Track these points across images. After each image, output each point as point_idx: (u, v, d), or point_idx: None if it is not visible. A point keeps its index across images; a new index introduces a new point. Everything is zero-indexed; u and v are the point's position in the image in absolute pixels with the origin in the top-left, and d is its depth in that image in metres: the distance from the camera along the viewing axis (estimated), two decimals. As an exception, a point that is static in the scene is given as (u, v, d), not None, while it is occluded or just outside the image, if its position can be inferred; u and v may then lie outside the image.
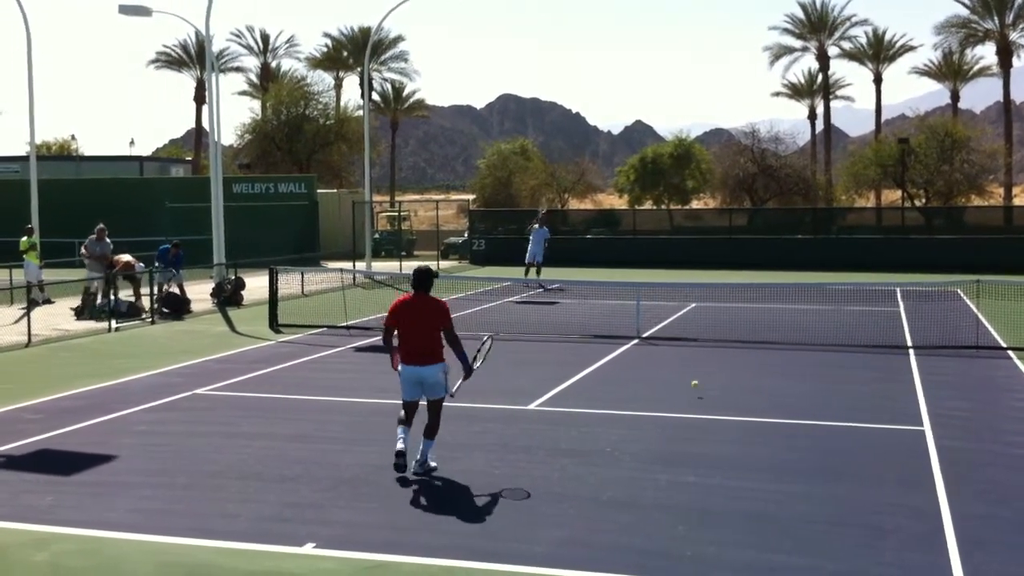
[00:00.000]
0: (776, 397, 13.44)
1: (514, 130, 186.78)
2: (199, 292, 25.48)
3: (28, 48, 30.15)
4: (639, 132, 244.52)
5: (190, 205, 39.19)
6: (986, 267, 30.60)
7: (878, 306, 23.59)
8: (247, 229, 36.45)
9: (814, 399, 13.36)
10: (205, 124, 64.79)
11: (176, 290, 23.98)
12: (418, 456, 9.60)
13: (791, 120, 73.52)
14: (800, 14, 69.72)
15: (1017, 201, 63.43)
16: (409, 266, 33.71)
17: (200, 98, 70.59)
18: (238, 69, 75.96)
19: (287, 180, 45.48)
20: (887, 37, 70.95)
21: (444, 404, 9.74)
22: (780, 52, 71.16)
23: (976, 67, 69.84)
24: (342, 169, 60.41)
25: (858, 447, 10.70)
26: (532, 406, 12.83)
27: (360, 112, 54.39)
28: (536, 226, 30.86)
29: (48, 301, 25.07)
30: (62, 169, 61.04)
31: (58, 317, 22.40)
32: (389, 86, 76.35)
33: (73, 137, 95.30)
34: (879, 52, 70.43)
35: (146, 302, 23.05)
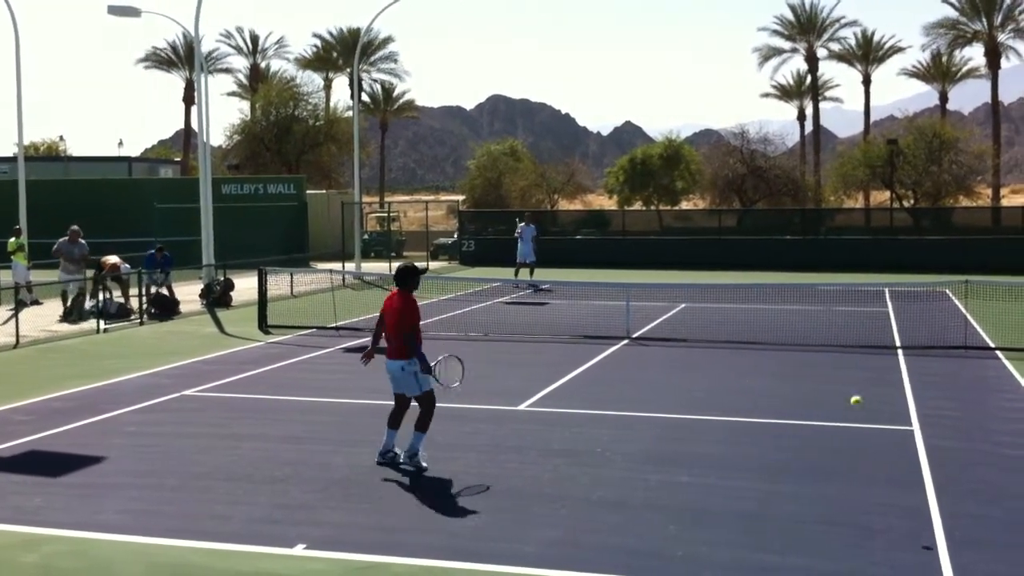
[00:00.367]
0: (766, 397, 13.47)
1: (504, 131, 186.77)
2: (188, 293, 25.42)
3: (16, 48, 30.06)
4: (628, 133, 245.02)
5: (179, 206, 39.03)
6: (974, 267, 30.70)
7: (867, 306, 23.65)
8: (236, 230, 36.34)
9: (804, 399, 13.39)
10: (194, 125, 64.65)
11: (164, 291, 23.90)
12: (407, 447, 9.74)
13: (780, 121, 73.73)
14: (789, 15, 69.87)
15: (1005, 202, 63.70)
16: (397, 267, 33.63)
17: (189, 99, 70.43)
18: (227, 70, 75.86)
19: (276, 181, 45.39)
20: (876, 39, 71.15)
21: (437, 401, 9.83)
22: (769, 53, 71.30)
23: (964, 68, 70.06)
24: (331, 170, 60.32)
25: (848, 447, 10.73)
26: (523, 406, 12.83)
27: (349, 113, 54.38)
28: (523, 224, 30.86)
29: (36, 302, 24.97)
30: (50, 170, 60.87)
31: (46, 318, 22.31)
32: (379, 87, 76.28)
33: (61, 138, 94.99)
34: (868, 53, 70.60)
35: (135, 303, 22.98)
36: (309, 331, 20.23)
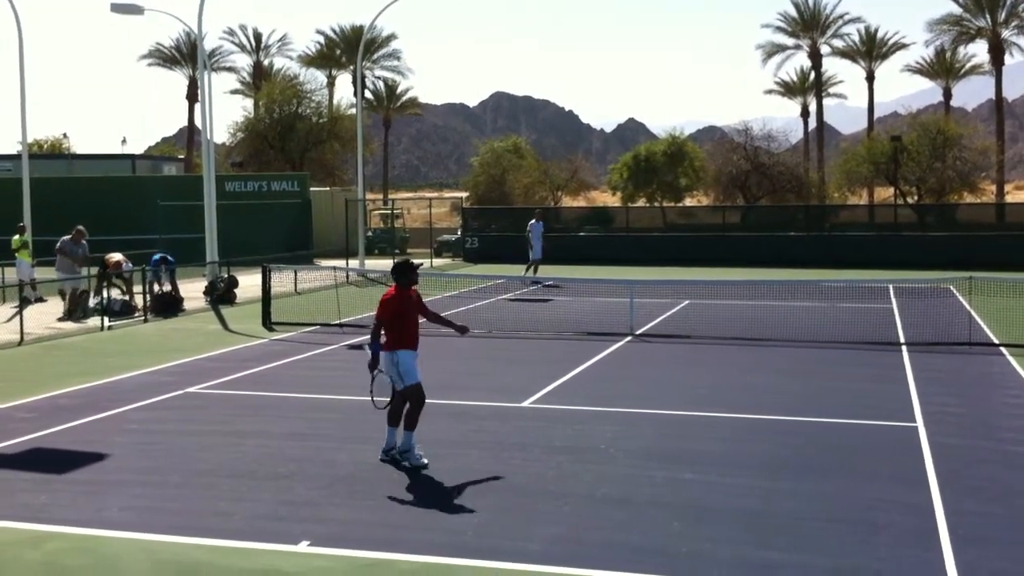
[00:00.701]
0: (769, 394, 13.45)
1: (507, 128, 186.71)
2: (192, 290, 25.44)
3: (20, 46, 30.08)
4: (632, 130, 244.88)
5: (182, 203, 39.05)
6: (978, 264, 30.62)
7: (871, 303, 23.63)
8: (240, 227, 36.41)
9: (807, 396, 13.37)
10: (198, 122, 64.56)
11: (168, 287, 23.91)
12: (399, 446, 9.87)
13: (784, 118, 73.52)
14: (793, 12, 69.79)
15: (1009, 198, 63.60)
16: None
17: (193, 96, 70.51)
18: (231, 68, 76.04)
19: (280, 178, 45.41)
20: (880, 35, 71.06)
21: (426, 400, 9.93)
22: (773, 50, 71.25)
23: (968, 65, 70.00)
24: (335, 167, 60.34)
25: (852, 444, 10.72)
26: (526, 403, 12.82)
27: (353, 110, 54.41)
28: (533, 221, 30.87)
29: (40, 299, 24.99)
30: (54, 167, 60.82)
31: (50, 315, 22.32)
32: (382, 84, 76.34)
33: (65, 135, 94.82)
34: (872, 50, 70.51)
35: (139, 300, 22.99)
36: (313, 328, 20.24)
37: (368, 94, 72.79)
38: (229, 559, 7.43)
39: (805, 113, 76.15)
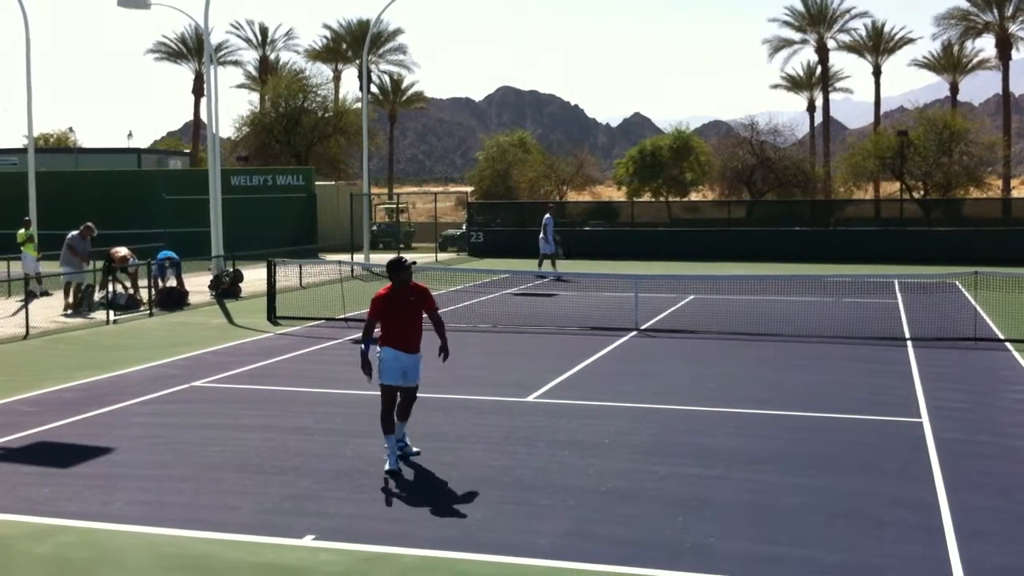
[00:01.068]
0: (774, 389, 13.45)
1: (513, 122, 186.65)
2: (197, 284, 25.47)
3: (27, 40, 30.10)
4: (638, 124, 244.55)
5: (188, 197, 39.14)
6: (984, 259, 30.58)
7: (876, 298, 23.60)
8: (245, 221, 36.45)
9: (812, 391, 13.36)
10: (203, 116, 64.59)
11: (173, 282, 23.94)
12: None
13: (790, 112, 73.43)
14: (800, 6, 69.74)
15: (1015, 193, 63.46)
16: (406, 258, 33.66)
17: (198, 90, 70.56)
18: (236, 62, 75.98)
19: (285, 172, 45.43)
20: (886, 29, 70.99)
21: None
22: (779, 45, 71.20)
23: (975, 59, 69.87)
24: (340, 161, 60.35)
25: (856, 439, 10.71)
26: (531, 398, 12.83)
27: (358, 104, 54.30)
28: (547, 216, 30.94)
29: (46, 293, 25.05)
30: (60, 161, 60.98)
31: (56, 309, 22.36)
32: (387, 78, 76.41)
33: (71, 129, 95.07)
34: (878, 44, 70.41)
35: (144, 295, 23.02)
36: (318, 322, 20.26)
37: (374, 88, 72.85)
38: (234, 552, 7.44)
39: (811, 108, 76.09)
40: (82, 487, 9.08)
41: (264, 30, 75.22)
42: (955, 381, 14.10)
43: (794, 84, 75.90)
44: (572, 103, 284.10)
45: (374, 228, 43.24)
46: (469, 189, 64.10)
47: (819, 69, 71.59)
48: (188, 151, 78.76)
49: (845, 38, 70.75)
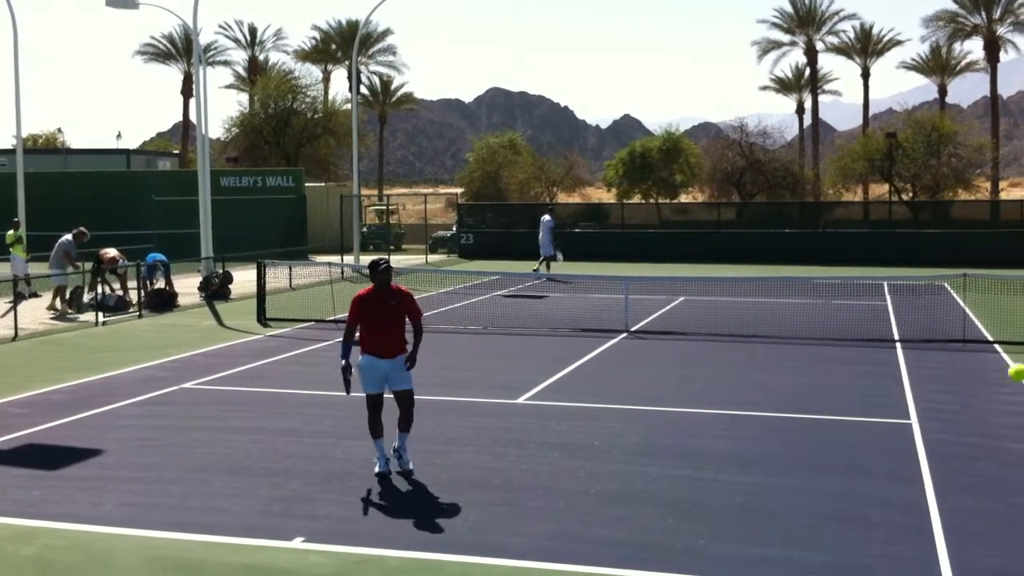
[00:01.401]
0: (764, 391, 13.47)
1: (502, 124, 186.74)
2: (186, 286, 25.40)
3: (15, 40, 30.01)
4: (628, 126, 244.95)
5: (177, 199, 39.05)
6: (973, 261, 30.67)
7: (865, 300, 23.66)
8: (235, 223, 36.34)
9: (802, 393, 13.39)
10: (192, 117, 64.54)
11: (162, 284, 23.88)
12: (398, 446, 9.57)
13: (779, 114, 73.59)
14: (788, 8, 69.91)
15: (1003, 195, 63.73)
16: (396, 260, 33.70)
17: (187, 91, 70.40)
18: (225, 63, 75.91)
19: (275, 174, 45.36)
20: (875, 32, 71.25)
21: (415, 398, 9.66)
22: (768, 47, 71.36)
23: (963, 62, 70.13)
24: (330, 163, 60.29)
25: (846, 440, 10.73)
26: (521, 400, 12.82)
27: (348, 105, 54.23)
28: (547, 217, 30.90)
29: (35, 295, 24.95)
30: (49, 162, 60.80)
31: (45, 311, 22.29)
32: (377, 79, 76.31)
33: (60, 130, 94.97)
34: (867, 47, 70.62)
35: (133, 296, 22.96)
36: (308, 324, 20.22)
37: (363, 89, 72.68)
38: (224, 555, 7.42)
39: (800, 110, 76.25)
40: (71, 489, 9.05)
41: (253, 30, 75.17)
42: (944, 383, 14.14)
43: (783, 86, 76.07)
44: (562, 104, 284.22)
45: (364, 230, 43.16)
46: (459, 190, 64.10)
47: (808, 71, 71.79)
48: (177, 152, 78.54)
49: (834, 40, 71.02)
